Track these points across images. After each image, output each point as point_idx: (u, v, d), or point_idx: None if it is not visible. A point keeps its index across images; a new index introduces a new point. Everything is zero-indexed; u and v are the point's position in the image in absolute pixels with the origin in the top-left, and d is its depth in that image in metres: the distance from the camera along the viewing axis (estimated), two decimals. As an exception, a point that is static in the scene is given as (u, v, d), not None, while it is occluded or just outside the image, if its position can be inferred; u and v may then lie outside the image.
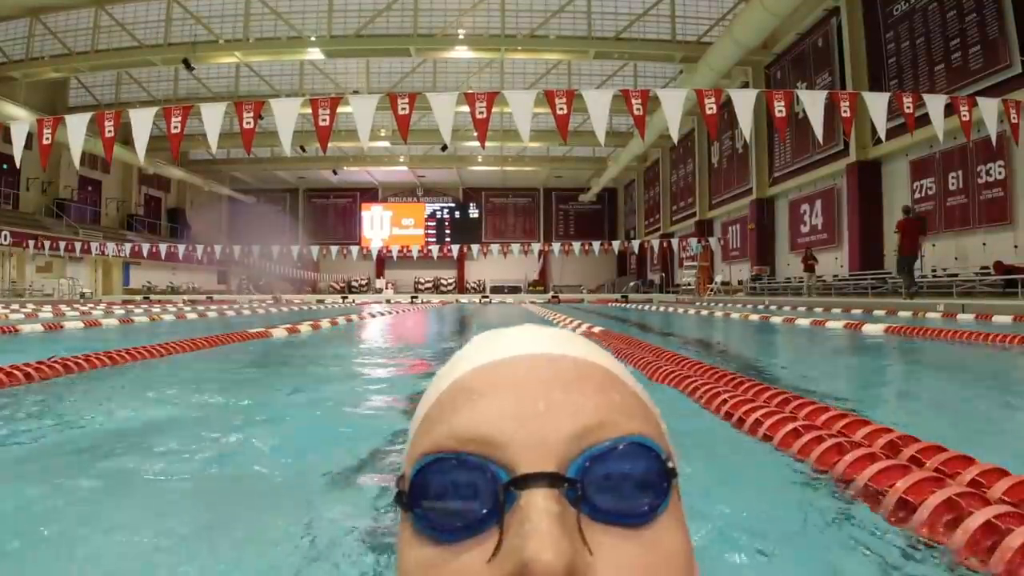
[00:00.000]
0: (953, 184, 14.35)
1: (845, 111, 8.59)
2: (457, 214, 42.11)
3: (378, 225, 42.01)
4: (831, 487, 1.60)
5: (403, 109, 8.05)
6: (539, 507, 0.35)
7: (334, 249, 30.71)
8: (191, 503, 1.64)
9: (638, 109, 8.33)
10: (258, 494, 1.73)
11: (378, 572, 1.19)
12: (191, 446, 2.19)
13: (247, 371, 4.70)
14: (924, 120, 9.32)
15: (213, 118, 8.61)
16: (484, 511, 0.36)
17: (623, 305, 22.87)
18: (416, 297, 33.40)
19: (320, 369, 4.87)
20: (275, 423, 2.69)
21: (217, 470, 1.96)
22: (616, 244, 31.50)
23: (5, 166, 25.19)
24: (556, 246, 31.68)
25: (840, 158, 17.86)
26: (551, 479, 0.36)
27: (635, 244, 30.51)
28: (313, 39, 22.70)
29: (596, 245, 29.33)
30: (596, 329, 7.06)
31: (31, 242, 23.59)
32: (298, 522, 1.45)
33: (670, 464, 0.40)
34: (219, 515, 1.53)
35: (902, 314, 11.41)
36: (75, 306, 17.17)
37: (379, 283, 40.31)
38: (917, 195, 15.49)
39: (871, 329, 7.77)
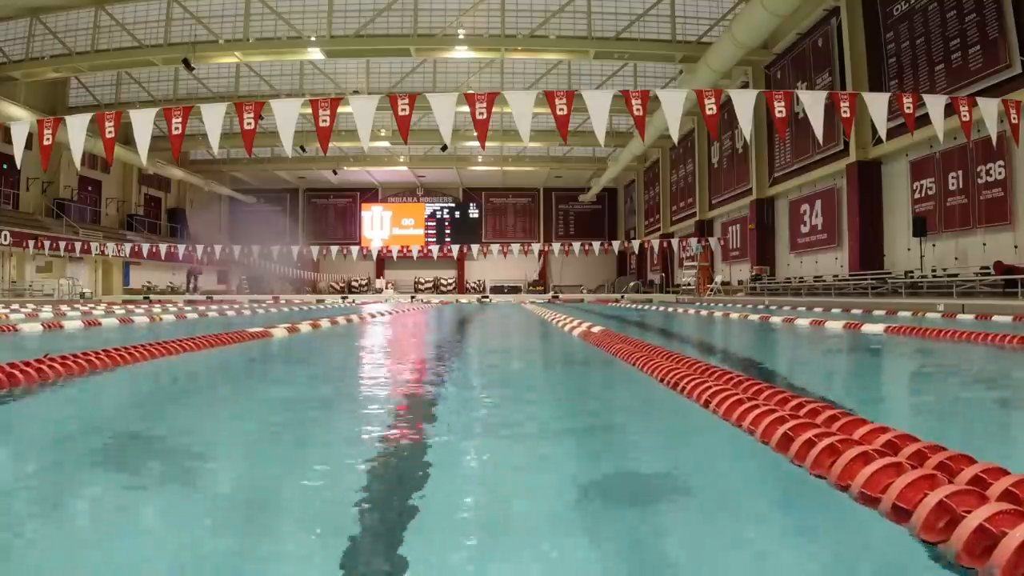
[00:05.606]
0: (953, 184, 14.36)
1: (845, 111, 8.58)
2: (457, 214, 42.14)
3: (378, 225, 42.04)
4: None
5: (403, 110, 8.04)
6: None
7: (334, 249, 30.72)
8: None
9: (638, 109, 8.33)
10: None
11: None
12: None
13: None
14: (924, 120, 9.32)
15: (214, 118, 8.59)
16: None
17: (622, 305, 22.88)
18: (415, 296, 33.42)
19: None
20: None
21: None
22: (616, 244, 31.53)
23: (5, 166, 25.20)
24: (556, 246, 31.71)
25: (840, 158, 17.87)
26: None
27: (635, 244, 30.54)
28: (313, 39, 22.70)
29: (596, 245, 29.35)
30: (596, 329, 7.06)
31: (31, 242, 23.59)
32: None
33: None
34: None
35: (902, 314, 11.43)
36: (75, 306, 17.17)
37: (379, 283, 40.35)
38: (917, 195, 15.50)
39: (871, 329, 7.78)
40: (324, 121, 8.08)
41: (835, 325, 8.56)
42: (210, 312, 14.02)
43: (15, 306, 15.68)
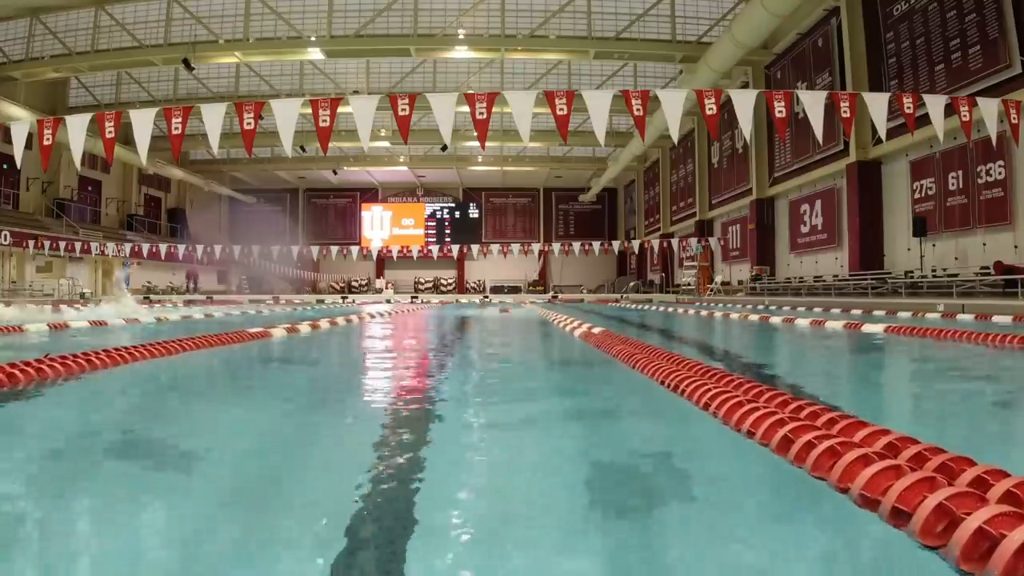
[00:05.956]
0: (953, 184, 14.35)
1: (845, 111, 8.57)
2: (457, 214, 42.12)
3: (378, 225, 42.03)
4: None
5: (403, 110, 8.03)
6: None
7: (334, 249, 30.72)
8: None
9: (638, 109, 8.32)
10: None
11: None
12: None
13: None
14: (924, 120, 9.31)
15: (214, 118, 8.58)
16: None
17: (622, 305, 22.89)
18: (415, 297, 33.44)
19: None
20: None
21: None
22: (616, 244, 31.53)
23: (5, 166, 25.19)
24: (556, 246, 31.70)
25: (840, 158, 17.86)
26: None
27: (635, 244, 30.54)
28: (313, 39, 22.69)
29: (596, 245, 29.34)
30: (596, 329, 7.06)
31: (31, 242, 23.58)
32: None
33: None
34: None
35: (902, 314, 11.42)
36: (75, 306, 17.16)
37: (379, 283, 40.35)
38: (917, 195, 15.49)
39: (871, 329, 7.78)
40: (324, 121, 8.07)
41: (835, 325, 8.55)
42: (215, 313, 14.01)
43: (15, 306, 15.67)
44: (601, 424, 2.70)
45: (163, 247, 27.98)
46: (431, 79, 27.44)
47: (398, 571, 1.19)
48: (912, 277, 14.56)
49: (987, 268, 12.80)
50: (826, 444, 1.68)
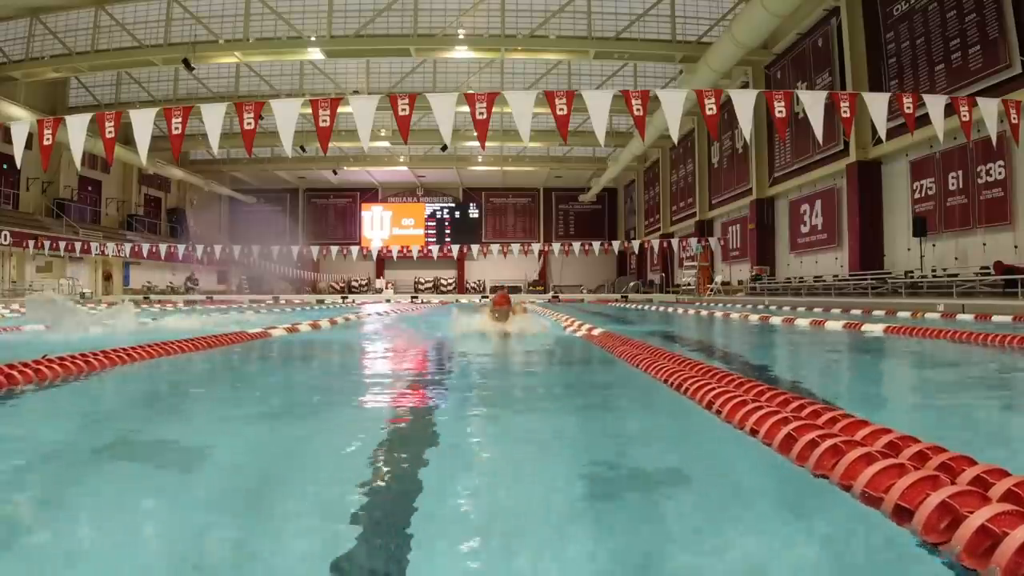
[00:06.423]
0: (953, 184, 14.35)
1: (845, 111, 8.56)
2: (457, 214, 42.12)
3: (378, 225, 42.03)
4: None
5: (403, 110, 8.02)
6: None
7: (334, 249, 30.72)
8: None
9: (638, 109, 8.31)
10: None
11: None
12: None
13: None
14: (924, 120, 9.30)
15: (214, 118, 8.58)
16: None
17: (623, 305, 22.89)
18: (416, 297, 33.44)
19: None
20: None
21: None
22: (616, 244, 31.53)
23: (5, 166, 25.19)
24: (556, 246, 31.70)
25: (840, 158, 17.86)
26: None
27: (635, 244, 30.54)
28: (313, 39, 22.69)
29: (596, 245, 29.34)
30: (596, 331, 7.05)
31: (31, 242, 23.57)
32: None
33: None
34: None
35: (901, 315, 11.42)
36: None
37: (379, 283, 40.36)
38: (917, 195, 15.50)
39: (871, 329, 7.78)
40: (324, 121, 8.06)
41: (835, 325, 8.55)
42: (211, 313, 14.01)
43: (15, 306, 15.67)
44: (603, 420, 2.69)
45: (163, 247, 27.98)
46: (431, 79, 27.44)
47: (402, 561, 1.19)
48: (912, 277, 14.56)
49: (987, 268, 12.80)
50: (829, 443, 1.68)
